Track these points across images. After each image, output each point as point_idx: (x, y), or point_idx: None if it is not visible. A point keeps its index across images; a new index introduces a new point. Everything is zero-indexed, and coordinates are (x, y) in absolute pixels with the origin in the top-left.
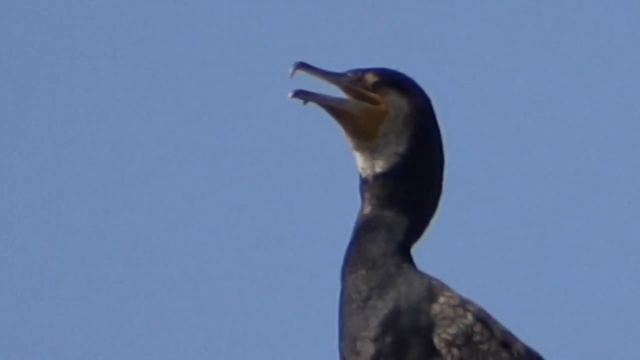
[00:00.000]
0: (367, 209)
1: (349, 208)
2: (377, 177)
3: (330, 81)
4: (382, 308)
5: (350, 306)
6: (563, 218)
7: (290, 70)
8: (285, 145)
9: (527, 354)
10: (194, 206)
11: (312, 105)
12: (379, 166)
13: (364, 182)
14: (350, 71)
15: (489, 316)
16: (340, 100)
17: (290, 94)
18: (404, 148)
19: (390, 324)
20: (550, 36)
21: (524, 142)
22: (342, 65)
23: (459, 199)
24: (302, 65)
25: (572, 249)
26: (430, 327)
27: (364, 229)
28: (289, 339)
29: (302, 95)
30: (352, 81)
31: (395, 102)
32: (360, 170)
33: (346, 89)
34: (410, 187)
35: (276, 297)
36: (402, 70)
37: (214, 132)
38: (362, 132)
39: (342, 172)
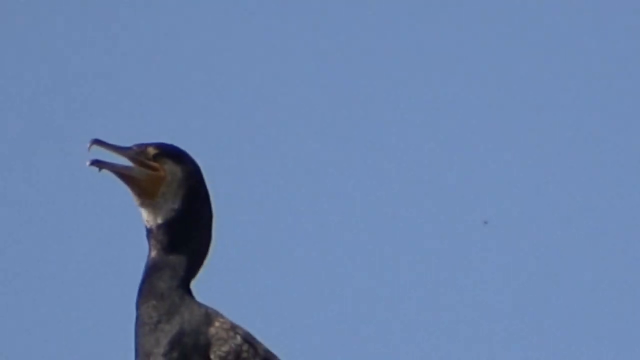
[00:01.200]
0: (154, 253)
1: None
2: (159, 227)
3: (119, 153)
4: (169, 330)
5: (143, 329)
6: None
7: (88, 145)
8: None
9: None
10: None
11: (105, 172)
12: (160, 219)
13: (149, 231)
14: (136, 145)
15: (254, 338)
16: (127, 167)
17: (87, 163)
18: (178, 204)
19: (176, 342)
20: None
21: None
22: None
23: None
24: (96, 142)
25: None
26: (207, 346)
27: (152, 269)
28: None
29: (97, 163)
30: (137, 153)
31: (171, 169)
32: (146, 223)
33: (132, 159)
34: (185, 235)
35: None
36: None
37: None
38: (145, 193)
39: (133, 224)
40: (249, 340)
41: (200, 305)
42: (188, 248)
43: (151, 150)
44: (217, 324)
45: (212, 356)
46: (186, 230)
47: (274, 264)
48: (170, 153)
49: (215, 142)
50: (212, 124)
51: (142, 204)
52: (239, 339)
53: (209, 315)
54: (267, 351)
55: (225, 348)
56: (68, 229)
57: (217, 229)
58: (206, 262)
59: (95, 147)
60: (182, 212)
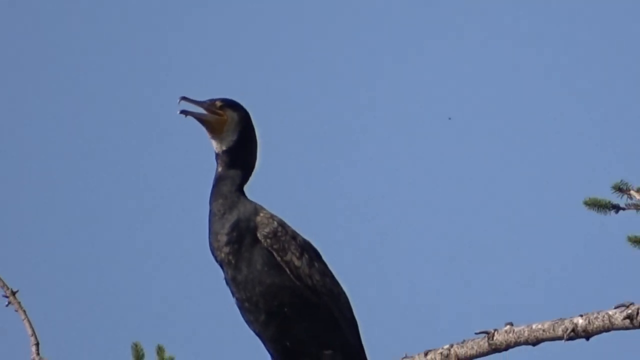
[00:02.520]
0: (220, 169)
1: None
2: (223, 152)
3: (197, 105)
4: (230, 219)
5: (214, 218)
6: None
7: (177, 100)
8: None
9: (305, 242)
10: None
11: (190, 117)
12: (224, 147)
13: (217, 155)
14: (208, 99)
15: (285, 223)
16: (203, 114)
17: (178, 112)
18: (235, 137)
19: (235, 226)
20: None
21: None
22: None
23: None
24: (183, 98)
25: None
26: (255, 228)
27: (219, 179)
28: None
29: (184, 112)
30: (209, 105)
31: (230, 115)
32: (215, 150)
33: (206, 109)
34: (240, 156)
35: None
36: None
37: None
38: (214, 131)
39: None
40: (282, 224)
41: (250, 202)
42: (241, 165)
43: (218, 103)
44: (261, 214)
45: (258, 235)
46: (240, 154)
47: (299, 175)
48: (230, 104)
49: (260, 95)
50: (258, 81)
51: (213, 138)
52: (276, 223)
53: (256, 209)
54: (295, 231)
55: (267, 230)
56: (169, 161)
57: (260, 153)
58: (253, 174)
59: (183, 102)
60: (237, 142)
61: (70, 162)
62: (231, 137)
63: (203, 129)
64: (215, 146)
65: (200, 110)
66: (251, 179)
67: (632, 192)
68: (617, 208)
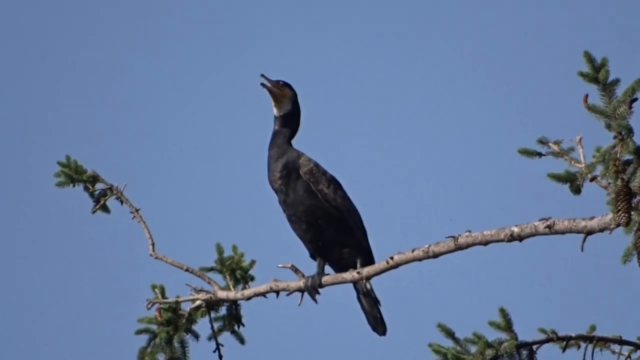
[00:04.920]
0: (276, 127)
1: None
2: (280, 116)
3: (269, 82)
4: (282, 160)
5: (270, 160)
6: None
7: (260, 76)
8: (251, 101)
9: (332, 177)
10: None
11: (264, 89)
12: (282, 112)
13: (275, 118)
14: (275, 79)
15: (319, 164)
16: (272, 88)
17: (260, 84)
18: (290, 107)
19: (284, 166)
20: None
21: None
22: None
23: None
24: (262, 75)
25: None
26: (298, 167)
27: (275, 134)
28: None
29: (263, 85)
30: (276, 82)
31: (288, 91)
32: (275, 113)
33: (274, 85)
34: (291, 119)
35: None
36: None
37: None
38: (277, 100)
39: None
40: (316, 165)
41: (295, 150)
42: (291, 126)
43: (281, 82)
44: (302, 157)
45: (300, 172)
46: (291, 118)
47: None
48: (288, 84)
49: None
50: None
51: (275, 106)
52: (312, 164)
53: (300, 155)
54: (325, 170)
55: (306, 169)
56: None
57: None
58: (297, 133)
59: (262, 78)
60: (290, 110)
61: None
62: (287, 107)
63: (269, 98)
64: (275, 111)
65: (269, 86)
66: (296, 136)
67: (550, 144)
68: (539, 154)
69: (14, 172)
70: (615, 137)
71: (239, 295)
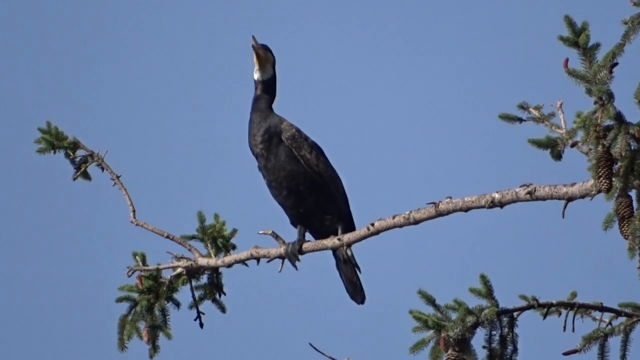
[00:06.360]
0: (258, 92)
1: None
2: (261, 81)
3: (257, 44)
4: (264, 125)
5: (252, 124)
6: None
7: (251, 37)
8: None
9: (314, 143)
10: None
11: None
12: (263, 77)
13: (256, 82)
14: (262, 43)
15: (300, 130)
16: (258, 51)
17: (250, 44)
18: (270, 72)
19: (266, 130)
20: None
21: None
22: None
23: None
24: (253, 37)
25: None
26: (280, 133)
27: (257, 99)
28: None
29: (253, 47)
30: (261, 46)
31: (269, 55)
32: (256, 78)
33: (259, 48)
34: (270, 84)
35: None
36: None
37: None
38: (261, 63)
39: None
40: (298, 130)
41: (277, 115)
42: (272, 90)
43: (264, 47)
44: (284, 123)
45: (282, 137)
46: (272, 83)
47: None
48: (268, 49)
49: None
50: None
51: (258, 70)
52: (294, 130)
53: (281, 120)
54: (307, 135)
55: (288, 134)
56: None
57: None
58: (277, 95)
59: (251, 40)
60: (272, 75)
61: None
62: (269, 71)
63: (254, 62)
64: (257, 75)
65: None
66: (274, 103)
67: (530, 109)
68: (520, 120)
69: None
70: (595, 103)
71: (219, 262)
